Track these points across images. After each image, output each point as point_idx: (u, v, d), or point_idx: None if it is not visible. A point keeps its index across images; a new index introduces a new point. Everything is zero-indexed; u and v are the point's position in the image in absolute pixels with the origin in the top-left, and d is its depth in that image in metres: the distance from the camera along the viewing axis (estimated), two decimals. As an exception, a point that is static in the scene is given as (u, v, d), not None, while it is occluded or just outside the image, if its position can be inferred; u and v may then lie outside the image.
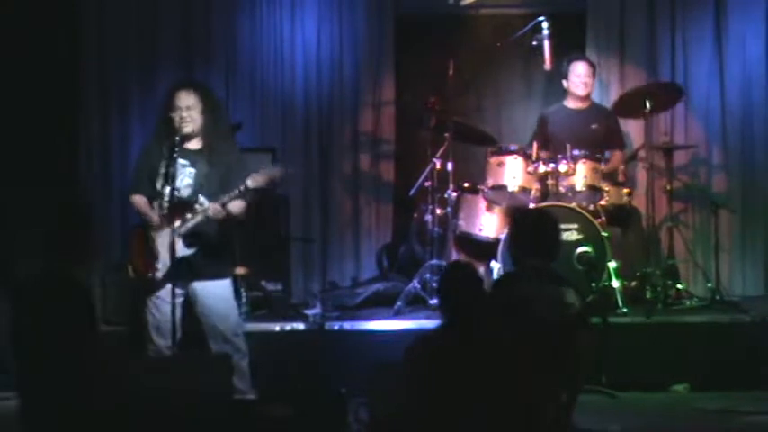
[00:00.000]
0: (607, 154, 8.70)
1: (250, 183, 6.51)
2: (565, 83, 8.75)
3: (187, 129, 6.71)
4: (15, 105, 8.42)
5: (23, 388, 5.25)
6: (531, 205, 8.12)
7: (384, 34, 9.56)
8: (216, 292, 6.85)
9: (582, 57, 8.86)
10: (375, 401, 6.03)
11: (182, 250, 6.62)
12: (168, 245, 6.59)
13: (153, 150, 6.84)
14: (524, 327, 5.05)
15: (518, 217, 6.09)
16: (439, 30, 9.59)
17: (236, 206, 6.71)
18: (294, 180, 9.36)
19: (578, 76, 8.66)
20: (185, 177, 6.72)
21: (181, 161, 6.67)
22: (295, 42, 9.51)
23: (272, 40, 9.52)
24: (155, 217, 6.72)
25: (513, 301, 5.31)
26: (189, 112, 6.73)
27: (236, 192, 6.59)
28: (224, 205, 6.60)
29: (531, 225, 5.79)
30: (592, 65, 8.78)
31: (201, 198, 6.63)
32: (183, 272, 6.60)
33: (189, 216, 6.62)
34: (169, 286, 6.60)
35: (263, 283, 8.58)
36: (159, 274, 6.72)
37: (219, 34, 9.44)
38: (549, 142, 8.77)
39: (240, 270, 8.12)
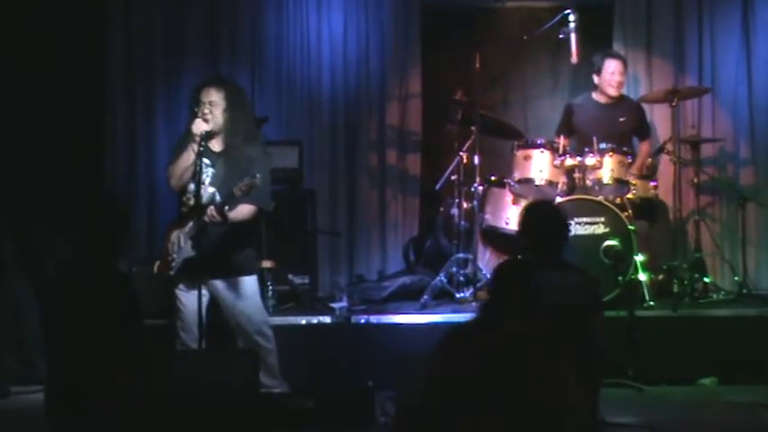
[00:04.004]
0: (635, 145, 8.74)
1: (235, 191, 6.40)
2: (596, 78, 8.73)
3: (212, 126, 6.70)
4: (42, 105, 8.45)
5: (53, 381, 5.29)
6: (558, 199, 8.11)
7: (411, 27, 9.57)
8: (237, 291, 6.85)
9: (616, 54, 8.84)
10: (402, 394, 6.05)
11: (189, 250, 6.66)
12: (178, 243, 6.69)
13: (183, 146, 6.83)
14: (536, 315, 5.03)
15: (525, 208, 6.09)
16: (465, 22, 9.58)
17: (240, 211, 6.65)
18: (321, 173, 9.41)
19: (612, 74, 8.65)
20: (207, 177, 6.71)
21: (204, 160, 6.66)
22: (321, 35, 9.52)
23: (298, 32, 9.53)
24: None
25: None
26: (211, 108, 6.72)
27: (224, 199, 6.56)
28: (220, 211, 6.50)
29: (537, 215, 5.80)
30: (625, 62, 8.78)
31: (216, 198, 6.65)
32: (193, 270, 6.61)
33: (198, 217, 6.56)
34: (191, 281, 6.66)
35: (289, 276, 8.60)
36: (172, 272, 6.77)
37: (246, 28, 9.46)
38: (574, 133, 8.78)
39: (267, 263, 8.15)
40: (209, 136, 6.69)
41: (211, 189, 6.69)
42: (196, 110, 6.75)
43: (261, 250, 7.84)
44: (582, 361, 5.06)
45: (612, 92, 8.69)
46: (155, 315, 7.58)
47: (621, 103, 8.82)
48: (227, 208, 6.52)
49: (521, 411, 4.51)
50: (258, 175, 6.38)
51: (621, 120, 8.71)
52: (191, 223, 6.63)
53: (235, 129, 6.79)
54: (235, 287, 6.84)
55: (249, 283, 6.92)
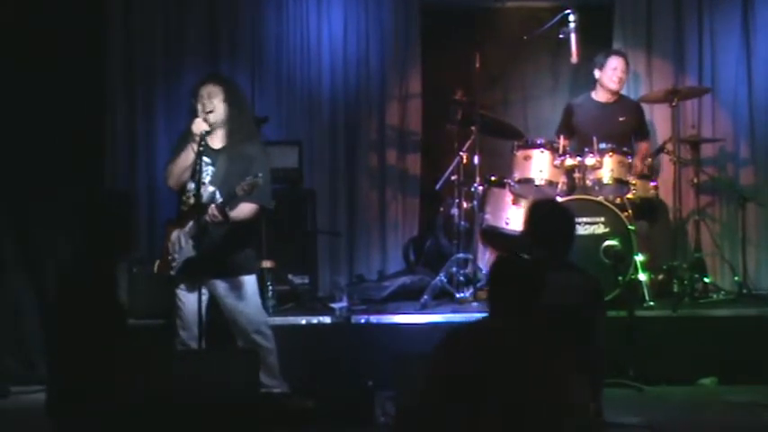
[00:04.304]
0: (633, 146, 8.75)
1: (238, 190, 6.42)
2: (597, 73, 8.72)
3: (210, 118, 6.69)
4: (42, 105, 8.45)
5: (53, 381, 5.29)
6: (558, 198, 8.11)
7: (410, 27, 9.57)
8: (237, 291, 6.85)
9: (621, 52, 8.84)
10: (402, 394, 6.05)
11: (190, 250, 6.65)
12: (179, 242, 6.69)
13: (182, 145, 6.84)
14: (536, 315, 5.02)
15: (531, 206, 6.09)
16: (465, 22, 9.58)
17: (241, 210, 6.65)
18: (321, 173, 9.41)
19: (614, 70, 8.65)
20: (207, 176, 6.70)
21: (204, 159, 6.64)
22: (321, 35, 9.52)
23: (298, 33, 9.53)
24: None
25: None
26: (210, 99, 6.72)
27: (226, 198, 6.56)
28: (222, 210, 6.51)
29: (542, 214, 5.79)
30: (627, 60, 8.77)
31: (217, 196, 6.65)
32: (194, 270, 6.61)
33: (199, 217, 6.55)
34: (192, 281, 6.68)
35: (289, 276, 8.60)
36: (173, 272, 6.77)
37: (246, 28, 9.46)
38: (575, 133, 8.78)
39: (267, 263, 8.15)
40: (208, 133, 6.69)
41: (212, 188, 6.69)
42: (194, 103, 6.75)
43: (261, 250, 7.84)
44: (582, 361, 5.06)
45: (613, 86, 8.68)
46: (154, 315, 7.61)
47: (621, 102, 8.82)
48: (227, 207, 6.52)
49: (520, 411, 4.51)
50: (260, 174, 6.39)
51: (621, 119, 8.71)
52: (191, 223, 6.63)
53: (234, 125, 6.80)
54: (235, 287, 6.84)
55: (249, 282, 6.92)
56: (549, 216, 5.78)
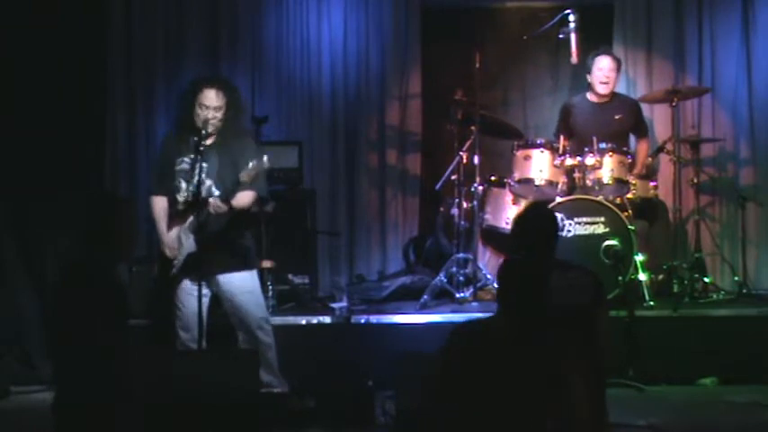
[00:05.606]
0: (633, 144, 8.73)
1: (243, 177, 6.48)
2: (588, 77, 8.72)
3: (211, 129, 6.72)
4: (43, 103, 8.45)
5: (56, 379, 5.30)
6: (558, 198, 8.11)
7: (410, 27, 9.57)
8: (239, 285, 6.88)
9: (606, 51, 8.75)
10: (402, 394, 6.05)
11: (192, 246, 6.66)
12: (178, 239, 6.70)
13: (171, 146, 6.86)
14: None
15: (519, 211, 6.09)
16: (465, 22, 9.58)
17: (242, 198, 6.69)
18: (321, 173, 9.41)
19: (600, 70, 8.60)
20: (202, 173, 6.70)
21: (193, 156, 6.67)
22: (321, 35, 9.52)
23: (298, 33, 9.54)
24: (164, 228, 6.79)
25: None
26: (215, 113, 6.75)
27: (231, 187, 6.59)
28: (225, 200, 6.57)
29: (518, 221, 5.78)
30: (616, 60, 8.72)
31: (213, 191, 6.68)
32: (196, 267, 6.61)
33: (199, 212, 6.59)
34: (193, 278, 6.68)
35: (289, 276, 8.60)
36: (174, 270, 6.76)
37: (246, 28, 9.46)
38: (572, 133, 8.76)
39: (267, 263, 8.15)
40: (207, 136, 6.70)
41: (209, 181, 6.70)
42: (198, 112, 6.74)
43: (261, 250, 7.84)
44: (585, 361, 5.06)
45: (602, 89, 8.64)
46: (154, 315, 7.60)
47: (616, 101, 8.78)
48: (229, 197, 6.56)
49: (522, 410, 4.51)
50: (265, 158, 6.41)
51: (617, 117, 8.69)
52: (191, 218, 6.64)
53: (230, 126, 6.85)
54: (236, 281, 6.87)
55: (250, 277, 6.96)
56: (524, 220, 5.75)
